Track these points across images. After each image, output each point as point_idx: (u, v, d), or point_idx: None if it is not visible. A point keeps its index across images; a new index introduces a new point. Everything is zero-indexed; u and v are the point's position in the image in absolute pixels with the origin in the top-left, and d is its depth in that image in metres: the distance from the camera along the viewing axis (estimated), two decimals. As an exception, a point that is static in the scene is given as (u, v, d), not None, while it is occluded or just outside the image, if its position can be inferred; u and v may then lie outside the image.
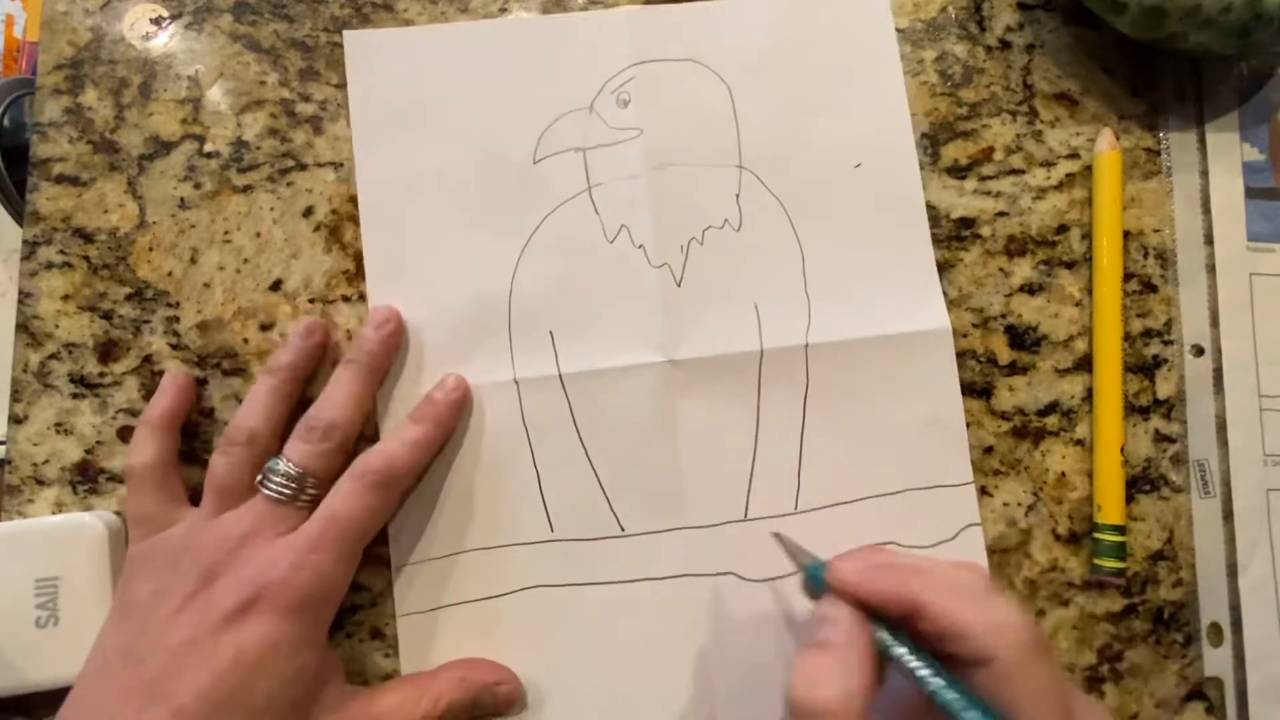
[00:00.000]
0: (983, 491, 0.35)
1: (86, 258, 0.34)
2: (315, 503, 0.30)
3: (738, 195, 0.36)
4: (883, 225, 0.36)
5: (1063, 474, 0.35)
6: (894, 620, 0.24)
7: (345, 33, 0.36)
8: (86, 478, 0.33)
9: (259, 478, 0.30)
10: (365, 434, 0.33)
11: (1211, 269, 0.37)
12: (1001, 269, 0.36)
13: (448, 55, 0.36)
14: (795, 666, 0.24)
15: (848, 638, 0.24)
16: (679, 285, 0.35)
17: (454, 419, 0.33)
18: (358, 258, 0.35)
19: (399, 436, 0.31)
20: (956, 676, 0.23)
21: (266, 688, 0.27)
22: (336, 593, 0.30)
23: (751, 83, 0.36)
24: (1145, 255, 0.37)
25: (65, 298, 0.34)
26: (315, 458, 0.30)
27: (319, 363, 0.33)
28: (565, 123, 0.36)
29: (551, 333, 0.34)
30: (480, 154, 0.35)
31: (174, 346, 0.34)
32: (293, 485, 0.30)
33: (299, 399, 0.33)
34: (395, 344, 0.33)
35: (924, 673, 0.23)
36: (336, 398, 0.32)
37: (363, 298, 0.34)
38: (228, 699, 0.26)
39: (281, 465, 0.30)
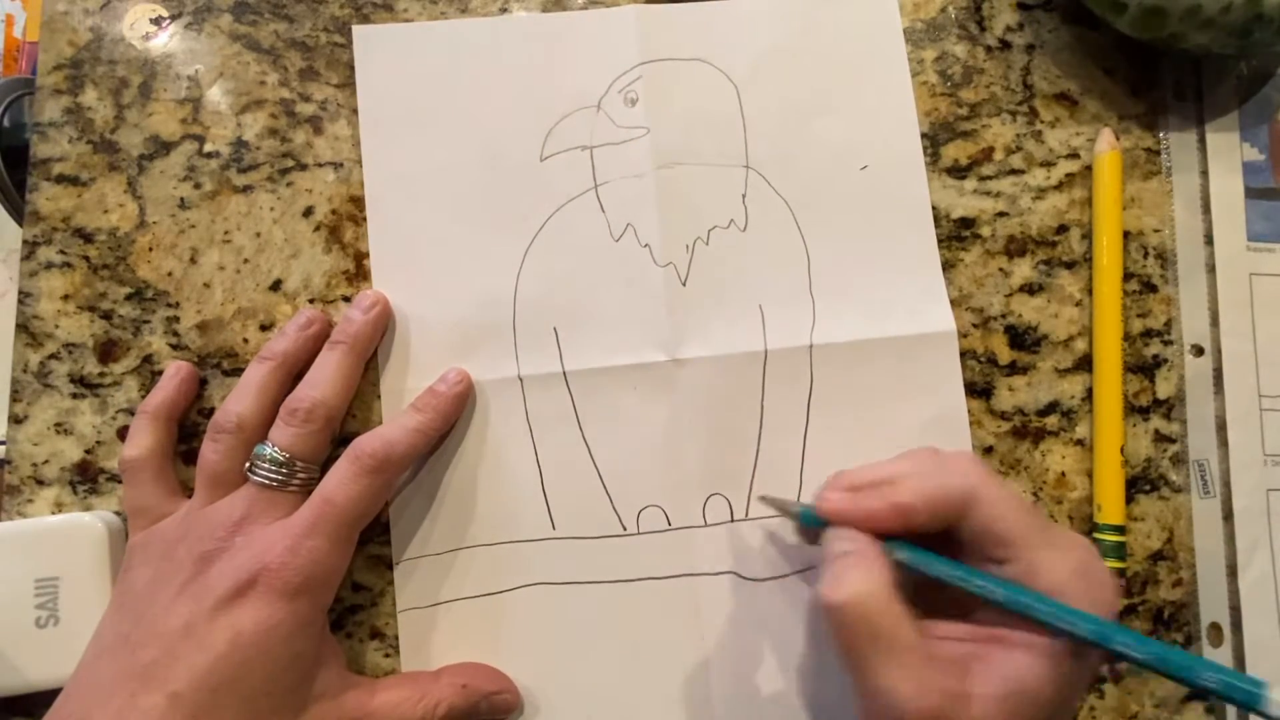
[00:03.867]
0: (983, 491, 0.35)
1: (86, 258, 0.34)
2: (307, 485, 0.30)
3: (744, 195, 0.36)
4: (889, 227, 0.36)
5: (1063, 474, 0.35)
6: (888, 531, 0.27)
7: (354, 28, 0.36)
8: (86, 478, 0.33)
9: (247, 465, 0.30)
10: (350, 432, 0.33)
11: (1211, 269, 0.37)
12: (1001, 269, 0.36)
13: (456, 51, 0.36)
14: (822, 578, 0.26)
15: (860, 546, 0.26)
16: (684, 285, 0.35)
17: (455, 411, 0.33)
18: (358, 257, 0.35)
19: (399, 423, 0.31)
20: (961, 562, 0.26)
21: (263, 671, 0.27)
22: (333, 576, 0.29)
23: (759, 83, 0.36)
24: (1145, 255, 0.37)
25: (65, 298, 0.34)
26: (300, 440, 0.30)
27: (313, 355, 0.33)
28: (572, 120, 0.36)
29: (556, 330, 0.34)
30: (487, 150, 0.35)
31: (174, 346, 0.34)
32: (282, 471, 0.30)
33: (290, 389, 0.32)
34: (381, 326, 0.33)
35: (935, 564, 0.26)
36: (320, 378, 0.31)
37: (363, 297, 0.34)
38: (223, 683, 0.26)
39: (268, 451, 0.30)
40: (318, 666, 0.29)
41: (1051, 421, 0.35)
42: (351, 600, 0.33)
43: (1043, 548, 0.25)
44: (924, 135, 0.37)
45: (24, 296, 0.34)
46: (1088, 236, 0.37)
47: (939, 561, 0.26)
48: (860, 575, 0.25)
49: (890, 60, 0.37)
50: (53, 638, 0.30)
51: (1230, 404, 0.36)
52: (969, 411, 0.35)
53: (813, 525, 0.29)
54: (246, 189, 0.35)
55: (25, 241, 0.34)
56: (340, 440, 0.33)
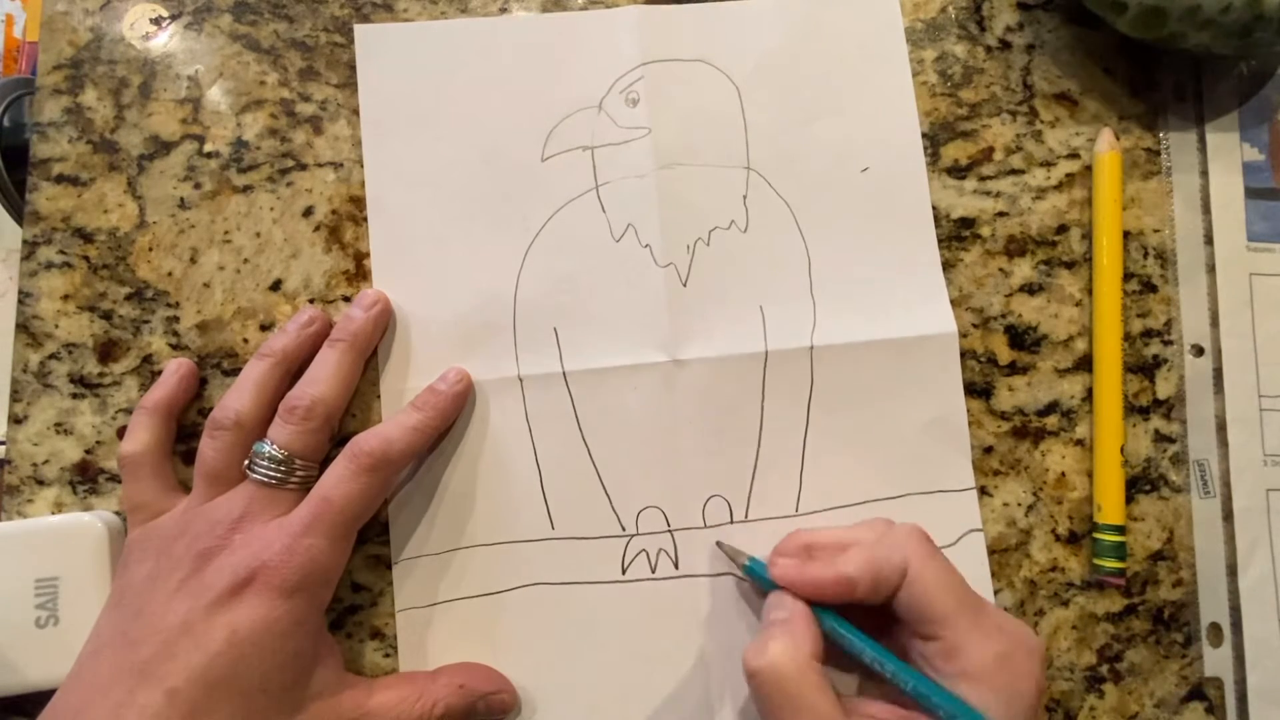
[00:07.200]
0: (983, 491, 0.35)
1: (86, 258, 0.34)
2: (305, 483, 0.30)
3: (745, 196, 0.36)
4: (889, 228, 0.36)
5: (1063, 474, 0.35)
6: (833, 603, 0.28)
7: (356, 27, 0.36)
8: (86, 478, 0.33)
9: (246, 462, 0.30)
10: (349, 432, 0.33)
11: (1211, 269, 0.37)
12: (1001, 269, 0.36)
13: (458, 51, 0.36)
14: (749, 645, 0.27)
15: (792, 615, 0.28)
16: (684, 285, 0.35)
17: (455, 410, 0.33)
18: (358, 258, 0.35)
19: (397, 421, 0.31)
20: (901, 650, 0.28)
21: (260, 669, 0.27)
22: (331, 575, 0.29)
23: (760, 84, 0.36)
24: (1145, 255, 0.37)
25: (65, 298, 0.34)
26: (299, 438, 0.30)
27: (313, 352, 0.33)
28: (573, 121, 0.36)
29: (556, 330, 0.34)
30: (488, 150, 0.35)
31: (174, 346, 0.34)
32: (281, 469, 0.30)
33: (290, 387, 0.32)
34: (382, 324, 0.33)
35: (855, 641, 0.27)
36: (319, 375, 0.31)
37: (363, 297, 0.34)
38: (220, 680, 0.26)
39: (267, 449, 0.30)
40: (315, 665, 0.29)
41: (1051, 421, 0.35)
42: (351, 600, 0.33)
43: (969, 630, 0.25)
44: (924, 135, 0.37)
45: (24, 296, 0.34)
46: (1088, 236, 0.37)
47: (860, 639, 0.27)
48: (781, 644, 0.26)
49: (892, 62, 0.37)
50: (53, 638, 0.30)
51: (1230, 404, 0.36)
52: (969, 411, 0.35)
53: (758, 580, 0.30)
54: (246, 189, 0.35)
55: (25, 241, 0.34)
56: (340, 439, 0.33)
